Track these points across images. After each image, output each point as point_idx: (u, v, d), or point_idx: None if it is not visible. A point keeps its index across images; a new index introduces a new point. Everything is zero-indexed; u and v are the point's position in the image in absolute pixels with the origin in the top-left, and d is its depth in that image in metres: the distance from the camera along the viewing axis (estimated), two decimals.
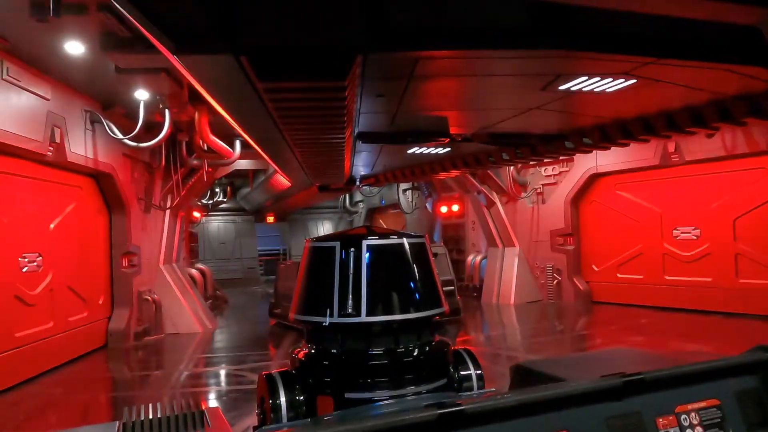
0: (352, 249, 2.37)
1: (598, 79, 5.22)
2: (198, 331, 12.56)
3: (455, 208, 18.96)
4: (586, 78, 5.20)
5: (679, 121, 6.82)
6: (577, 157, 13.69)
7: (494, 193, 16.13)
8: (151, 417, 1.66)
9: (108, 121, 9.93)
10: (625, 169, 13.45)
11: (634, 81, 5.23)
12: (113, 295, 11.54)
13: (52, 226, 9.50)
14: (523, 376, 2.03)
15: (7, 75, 7.51)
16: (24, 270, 8.57)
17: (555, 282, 15.24)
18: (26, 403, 7.63)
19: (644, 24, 3.95)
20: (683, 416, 1.62)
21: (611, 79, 5.23)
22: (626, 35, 4.13)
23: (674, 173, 12.76)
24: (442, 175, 15.25)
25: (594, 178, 14.45)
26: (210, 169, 13.65)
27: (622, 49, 4.29)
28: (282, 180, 16.17)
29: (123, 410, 1.66)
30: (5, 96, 7.53)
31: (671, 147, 12.25)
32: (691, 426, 1.62)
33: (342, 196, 27.09)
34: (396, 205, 22.54)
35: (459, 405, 1.40)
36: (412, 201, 21.73)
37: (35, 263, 8.86)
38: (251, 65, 4.02)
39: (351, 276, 2.32)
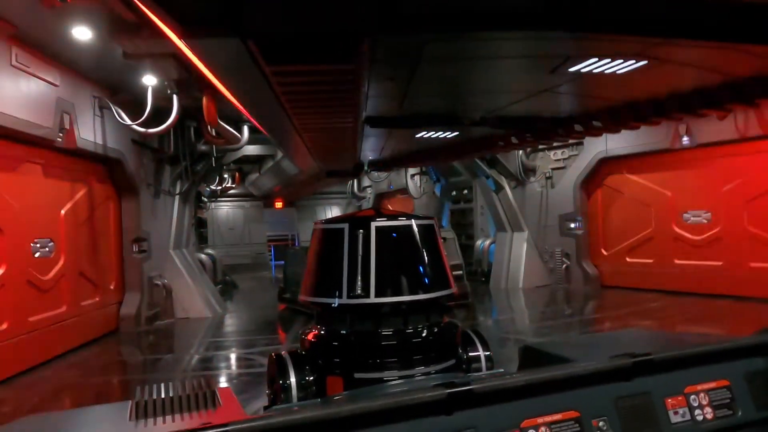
0: (361, 231, 2.37)
1: (609, 60, 5.15)
2: (208, 316, 12.67)
3: (464, 192, 18.92)
4: (596, 60, 5.13)
5: (690, 103, 6.73)
6: (587, 140, 13.60)
7: (503, 178, 16.06)
8: (163, 396, 1.68)
9: (116, 107, 9.96)
10: (636, 153, 13.32)
11: (644, 62, 5.16)
12: (124, 280, 11.66)
13: (63, 212, 9.58)
14: (531, 357, 2.03)
15: (16, 61, 7.52)
16: (36, 255, 8.67)
17: (564, 266, 15.21)
18: (40, 386, 7.76)
19: (655, 3, 3.89)
20: (692, 397, 1.62)
21: (621, 61, 5.17)
22: (636, 15, 4.06)
23: (685, 156, 12.62)
24: (451, 160, 15.22)
25: (604, 162, 14.33)
26: (222, 159, 13.69)
27: (632, 30, 4.23)
28: (291, 165, 16.18)
29: (135, 390, 1.68)
30: (14, 82, 7.56)
31: (682, 130, 12.11)
32: (701, 406, 1.62)
33: (350, 182, 27.10)
34: (404, 190, 22.51)
35: (468, 384, 1.41)
36: (420, 186, 21.69)
37: (47, 249, 8.95)
38: (259, 49, 4.00)
39: (360, 257, 2.33)
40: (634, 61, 5.15)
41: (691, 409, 1.61)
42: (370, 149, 11.16)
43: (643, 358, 1.60)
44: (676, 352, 1.68)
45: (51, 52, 8.19)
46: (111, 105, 9.92)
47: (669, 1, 3.85)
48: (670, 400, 1.60)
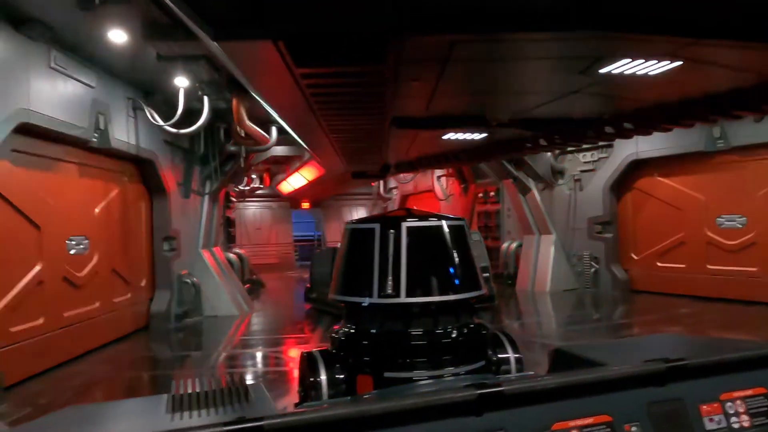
0: (392, 231, 2.39)
1: (641, 61, 5.07)
2: (236, 314, 12.84)
3: (490, 194, 18.79)
4: (628, 61, 5.05)
5: (725, 105, 6.57)
6: (617, 142, 13.35)
7: (530, 180, 15.90)
8: (198, 390, 1.72)
9: (149, 108, 10.18)
10: (668, 155, 13.05)
11: (678, 63, 5.06)
12: (155, 277, 11.89)
13: (97, 210, 9.83)
14: (562, 360, 2.02)
15: (54, 63, 7.75)
16: (71, 252, 8.90)
17: (592, 270, 14.99)
18: (75, 379, 7.97)
19: (689, 3, 3.81)
20: (728, 404, 1.59)
21: (654, 62, 5.07)
22: (670, 15, 3.99)
23: (719, 159, 12.33)
24: (478, 162, 15.13)
25: (634, 165, 14.08)
26: (251, 160, 13.87)
27: (665, 30, 4.15)
28: (317, 166, 16.30)
29: (171, 384, 1.72)
30: (53, 83, 7.79)
31: (716, 132, 11.83)
32: (737, 414, 1.59)
33: (376, 183, 27.14)
34: (430, 192, 22.46)
35: (498, 386, 1.41)
36: (446, 188, 21.62)
37: (82, 246, 9.19)
38: (288, 50, 4.06)
39: (390, 257, 2.34)
40: (667, 62, 5.06)
41: (727, 416, 1.58)
42: (396, 150, 11.17)
43: (677, 363, 1.58)
44: (712, 358, 1.65)
45: (88, 55, 8.42)
46: (144, 106, 10.15)
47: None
48: (705, 407, 1.57)
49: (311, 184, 21.66)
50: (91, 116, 8.76)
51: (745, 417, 1.58)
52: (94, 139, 8.87)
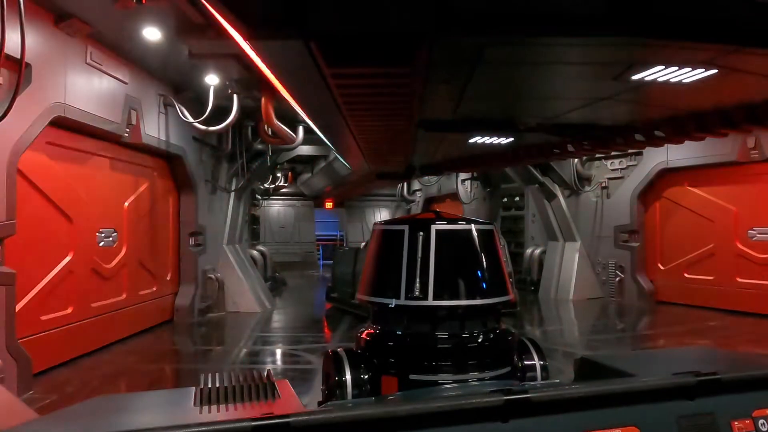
0: (421, 233, 2.39)
1: (675, 68, 4.97)
2: (257, 311, 12.96)
3: (515, 199, 18.64)
4: (662, 68, 4.96)
5: (761, 115, 6.41)
6: (647, 150, 13.14)
7: (556, 186, 15.73)
8: (225, 385, 1.75)
9: (180, 105, 10.35)
10: (699, 165, 12.79)
11: (714, 71, 4.96)
12: (180, 272, 12.07)
13: (126, 204, 10.02)
14: (588, 369, 1.99)
15: (91, 59, 7.93)
16: (101, 244, 9.09)
17: (617, 279, 14.76)
18: (102, 368, 8.13)
19: (728, 9, 3.73)
20: (761, 421, 1.55)
21: (689, 69, 4.98)
22: (708, 21, 3.91)
23: (753, 170, 12.03)
24: (504, 166, 15.03)
25: (664, 173, 13.82)
26: (277, 159, 14.00)
27: (702, 37, 4.07)
28: (342, 166, 16.36)
29: (199, 377, 1.75)
30: (88, 79, 7.97)
31: (751, 142, 11.55)
32: None
33: (400, 185, 27.14)
34: (454, 195, 22.37)
35: (525, 392, 1.40)
36: (470, 191, 21.51)
37: (111, 239, 9.38)
38: (320, 50, 4.08)
39: (419, 260, 2.34)
40: (702, 70, 4.95)
41: None
42: (422, 152, 11.15)
43: (708, 377, 1.55)
44: (745, 373, 1.61)
45: (122, 51, 8.60)
46: (175, 103, 10.32)
47: (743, 5, 3.69)
48: (736, 423, 1.54)
49: (333, 186, 21.74)
50: (124, 112, 8.94)
51: None
52: (126, 134, 9.05)
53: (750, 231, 12.30)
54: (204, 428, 1.18)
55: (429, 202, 26.35)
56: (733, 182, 12.64)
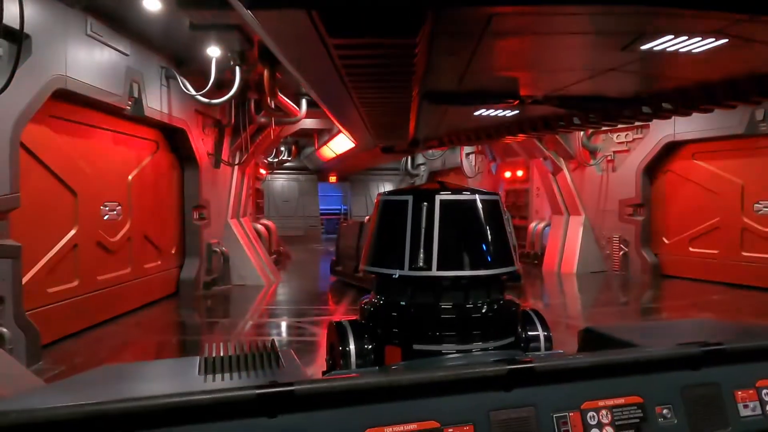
0: (425, 203, 2.37)
1: (685, 38, 4.88)
2: (263, 284, 13.05)
3: (519, 173, 18.56)
4: (671, 37, 4.87)
5: None
6: (653, 123, 12.98)
7: (561, 159, 15.63)
8: (230, 354, 1.75)
9: (182, 78, 10.25)
10: (706, 138, 12.65)
11: (724, 41, 4.86)
12: (185, 245, 12.13)
13: (130, 177, 10.02)
14: (592, 339, 1.99)
15: (91, 30, 7.83)
16: (105, 218, 9.12)
17: (621, 253, 14.76)
18: (109, 340, 8.24)
19: None
20: (765, 391, 1.56)
21: (699, 39, 4.88)
22: None
23: (761, 143, 11.89)
24: (509, 140, 14.92)
25: (671, 146, 13.70)
26: (277, 128, 13.92)
27: (713, 5, 3.98)
28: (346, 140, 16.28)
29: (203, 346, 1.76)
30: (89, 51, 7.89)
31: (759, 114, 11.40)
32: None
33: (404, 159, 27.02)
34: (458, 169, 22.29)
35: (529, 362, 1.40)
36: (475, 165, 21.42)
37: (115, 212, 9.40)
38: (322, 20, 4.01)
39: (423, 230, 2.33)
40: (713, 39, 4.85)
41: (763, 403, 1.55)
42: (426, 125, 11.06)
43: (713, 348, 1.54)
44: (750, 344, 1.61)
45: (123, 23, 8.49)
46: (177, 75, 10.22)
47: None
48: (740, 393, 1.54)
49: (340, 158, 21.63)
50: (126, 84, 8.87)
51: None
52: (128, 107, 9.00)
53: (756, 204, 12.23)
54: (208, 396, 1.19)
55: (433, 175, 26.27)
56: (740, 155, 12.52)
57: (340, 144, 18.36)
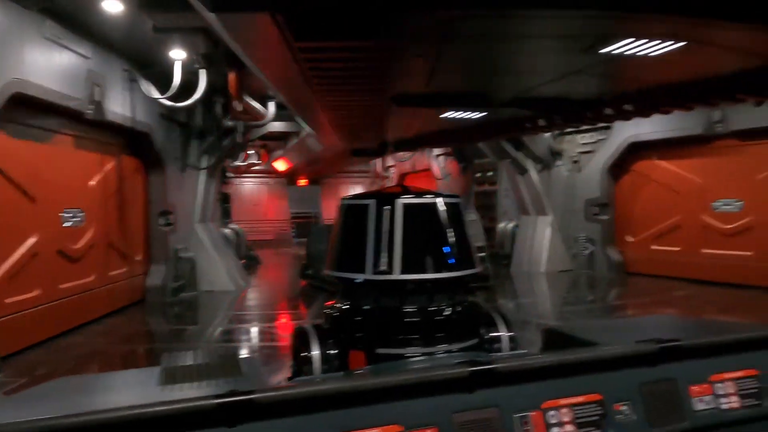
0: (387, 207, 2.37)
1: (644, 41, 5.01)
2: (231, 289, 12.87)
3: (489, 174, 18.75)
4: (631, 40, 4.99)
5: (727, 88, 6.52)
6: (617, 124, 13.29)
7: (528, 160, 15.85)
8: (190, 364, 1.72)
9: (145, 81, 10.05)
10: (667, 138, 12.99)
11: (682, 44, 5.00)
12: (151, 251, 11.88)
13: (92, 183, 9.77)
14: (554, 339, 2.02)
15: (49, 33, 7.62)
16: (66, 225, 8.87)
17: (587, 252, 15.04)
18: (73, 350, 8.01)
19: None
20: (718, 385, 1.60)
21: (658, 42, 5.02)
22: None
23: (718, 143, 12.28)
24: (477, 141, 15.06)
25: (633, 147, 14.03)
26: (248, 135, 13.77)
27: (671, 9, 4.10)
28: (315, 143, 16.21)
29: (162, 356, 1.72)
30: (47, 54, 7.67)
31: (716, 115, 11.77)
32: (727, 395, 1.59)
33: (374, 161, 27.06)
34: (428, 171, 22.41)
35: (490, 363, 1.41)
36: (444, 167, 21.56)
37: (78, 219, 9.16)
38: (287, 24, 3.99)
39: (385, 234, 2.33)
40: (671, 43, 5.00)
41: (717, 397, 1.59)
42: (395, 128, 11.10)
43: (669, 344, 1.58)
44: (704, 340, 1.65)
45: (82, 25, 8.28)
46: (140, 78, 10.02)
47: None
48: (695, 388, 1.58)
49: (306, 162, 21.56)
50: (87, 88, 8.65)
51: (734, 398, 1.59)
52: (90, 111, 8.77)
53: (715, 203, 12.62)
54: (165, 407, 1.16)
55: (403, 177, 26.36)
56: (699, 155, 12.90)
57: (293, 158, 18.36)
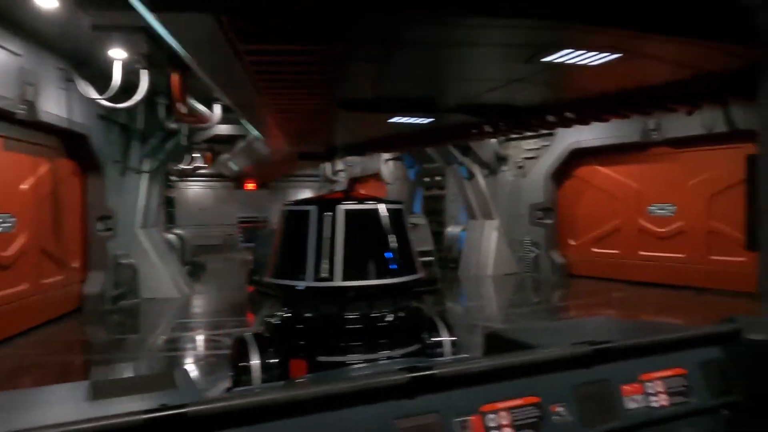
0: (328, 213, 2.35)
1: (583, 52, 5.19)
2: (175, 297, 12.50)
3: (437, 179, 18.96)
4: (570, 51, 5.17)
5: (661, 98, 6.83)
6: (560, 131, 13.73)
7: (475, 166, 16.13)
8: (122, 377, 1.65)
9: (83, 81, 9.64)
10: (606, 145, 13.52)
11: (618, 55, 5.22)
12: (89, 258, 11.39)
13: (24, 187, 9.28)
14: (496, 343, 2.05)
15: None
16: None
17: (533, 255, 15.43)
18: (4, 362, 7.55)
19: None
20: (648, 384, 1.66)
21: (596, 53, 5.21)
22: (613, 8, 4.10)
23: (653, 150, 12.87)
24: (425, 146, 15.22)
25: (575, 153, 14.52)
26: (194, 134, 13.41)
27: (607, 22, 4.26)
28: (263, 146, 15.98)
29: (92, 371, 1.64)
30: None
31: (651, 124, 12.33)
32: (656, 393, 1.65)
33: (323, 165, 26.89)
34: (378, 176, 22.45)
35: (430, 369, 1.41)
36: (393, 171, 21.65)
37: (8, 224, 8.67)
38: (232, 26, 3.92)
39: (326, 240, 2.31)
40: (608, 54, 5.20)
41: (647, 396, 1.64)
42: (343, 132, 11.08)
43: (602, 346, 1.62)
44: (634, 341, 1.71)
45: (13, 21, 7.87)
46: (77, 78, 9.60)
47: None
48: (626, 387, 1.63)
49: (254, 166, 21.20)
50: (18, 86, 8.22)
51: (663, 396, 1.65)
52: (21, 111, 8.33)
53: (650, 207, 13.21)
54: (89, 424, 1.10)
55: (353, 182, 26.32)
56: (636, 162, 13.48)
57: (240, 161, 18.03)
